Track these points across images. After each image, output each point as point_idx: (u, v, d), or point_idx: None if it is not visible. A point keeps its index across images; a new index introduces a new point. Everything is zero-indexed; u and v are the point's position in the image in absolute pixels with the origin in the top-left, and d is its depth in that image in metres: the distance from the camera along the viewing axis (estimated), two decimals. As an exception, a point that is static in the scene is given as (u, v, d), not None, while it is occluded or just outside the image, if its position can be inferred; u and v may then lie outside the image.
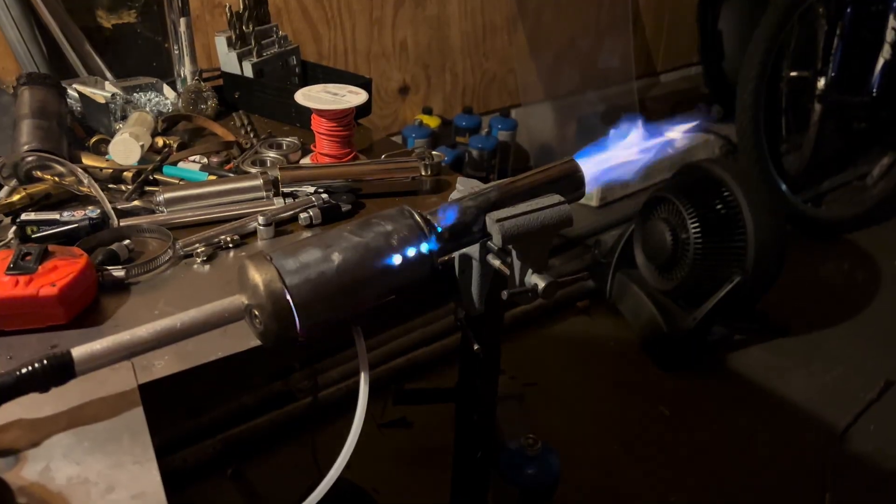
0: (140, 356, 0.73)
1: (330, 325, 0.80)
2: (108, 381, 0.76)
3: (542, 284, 0.88)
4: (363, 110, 1.41)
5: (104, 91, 1.32)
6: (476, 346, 1.06)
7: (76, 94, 1.29)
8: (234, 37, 1.40)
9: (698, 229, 1.99)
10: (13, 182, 1.08)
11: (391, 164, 1.15)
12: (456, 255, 1.01)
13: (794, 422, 1.99)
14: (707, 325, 2.06)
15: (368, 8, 2.31)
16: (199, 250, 0.97)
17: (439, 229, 0.84)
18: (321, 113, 1.17)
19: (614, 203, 2.59)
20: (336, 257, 0.78)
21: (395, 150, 1.29)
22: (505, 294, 0.87)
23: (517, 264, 0.90)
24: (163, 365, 0.79)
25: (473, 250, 0.99)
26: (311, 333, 0.78)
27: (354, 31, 2.30)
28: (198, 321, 0.75)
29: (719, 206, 2.03)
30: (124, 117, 1.27)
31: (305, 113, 1.22)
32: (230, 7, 1.39)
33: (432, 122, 2.51)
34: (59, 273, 0.82)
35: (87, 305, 0.86)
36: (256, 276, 0.75)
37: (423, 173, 1.18)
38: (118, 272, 0.90)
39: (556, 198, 0.90)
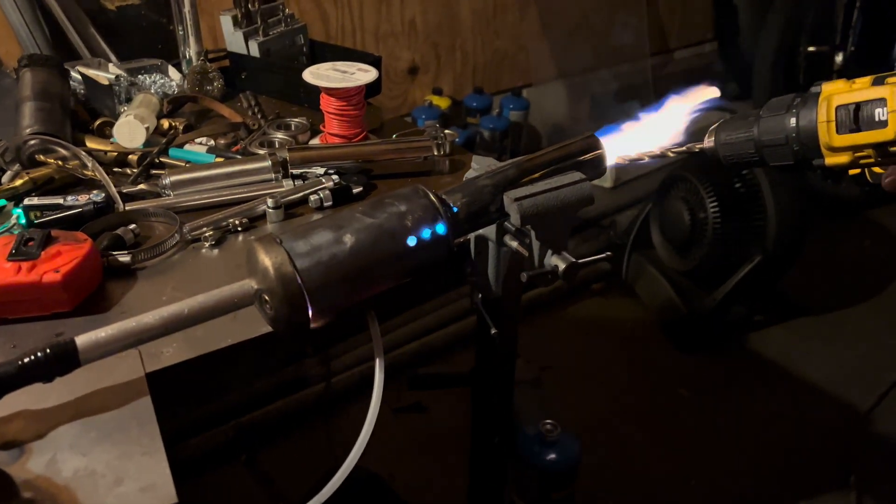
0: (147, 344, 0.70)
1: (343, 309, 0.78)
2: (115, 370, 0.73)
3: (562, 266, 0.85)
4: (373, 89, 1.37)
5: (108, 73, 1.29)
6: (493, 331, 1.03)
7: (79, 77, 1.26)
8: (239, 15, 1.36)
9: (717, 208, 1.95)
10: (16, 166, 1.05)
11: (403, 143, 1.12)
12: (472, 236, 0.98)
13: (817, 403, 1.96)
14: (727, 306, 2.02)
15: (377, -14, 2.26)
16: (206, 234, 0.94)
17: (455, 209, 0.81)
18: (330, 92, 1.14)
19: (629, 183, 2.54)
20: (348, 239, 0.75)
21: (407, 130, 1.25)
22: (524, 276, 0.83)
23: (536, 245, 0.86)
24: (171, 353, 0.77)
25: (490, 231, 0.96)
26: (324, 318, 0.75)
27: (362, 10, 2.25)
28: (206, 307, 0.72)
29: (738, 185, 1.98)
30: (129, 100, 1.23)
31: (314, 92, 1.18)
32: (235, -16, 1.36)
33: (442, 102, 2.46)
34: (63, 259, 0.79)
35: (93, 292, 0.83)
36: (266, 260, 0.72)
37: (436, 153, 1.15)
38: (124, 257, 0.87)
39: (577, 175, 0.87)
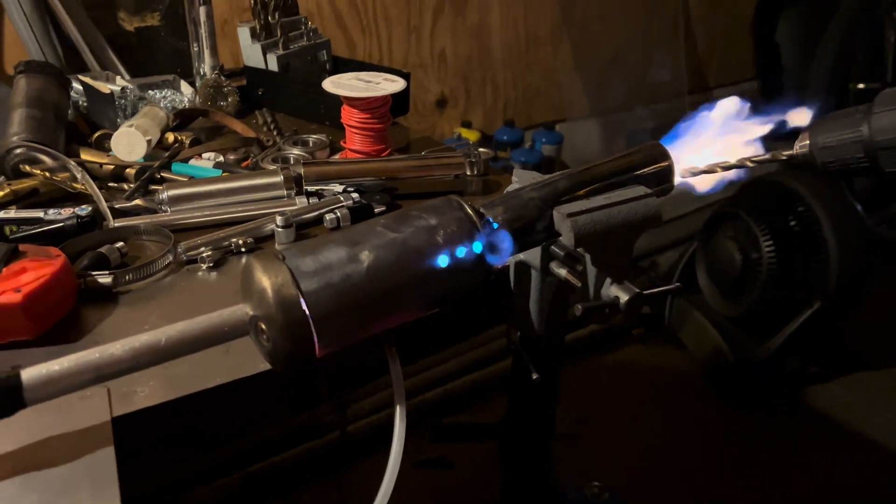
0: (118, 381, 0.57)
1: (357, 343, 0.64)
2: (75, 413, 0.59)
3: (624, 297, 0.70)
4: (400, 106, 1.25)
5: (114, 85, 1.18)
6: (535, 376, 0.88)
7: (81, 88, 1.15)
8: (258, 27, 1.26)
9: (772, 248, 1.79)
10: (0, 178, 0.94)
11: (431, 159, 0.99)
12: (511, 262, 0.84)
13: (878, 465, 1.77)
14: (781, 357, 1.84)
15: (406, 15, 2.18)
16: (204, 255, 0.81)
17: (495, 225, 0.67)
18: (352, 102, 1.02)
19: (670, 222, 2.39)
20: (366, 257, 0.61)
21: (436, 147, 1.12)
22: (579, 308, 0.69)
23: (592, 272, 0.72)
24: (146, 393, 0.63)
25: (533, 256, 0.82)
26: (334, 353, 0.61)
27: (391, 40, 2.16)
28: (189, 337, 0.59)
29: (793, 223, 1.82)
30: (134, 114, 1.13)
31: (336, 109, 1.07)
32: (254, -6, 1.26)
33: (472, 135, 2.35)
34: (28, 277, 0.67)
35: (63, 317, 0.70)
36: (264, 279, 0.59)
37: (469, 172, 1.02)
38: (104, 278, 0.75)
39: (641, 189, 0.73)
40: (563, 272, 0.79)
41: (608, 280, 0.72)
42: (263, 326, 0.59)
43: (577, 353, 2.04)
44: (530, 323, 0.86)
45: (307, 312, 0.58)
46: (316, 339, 0.59)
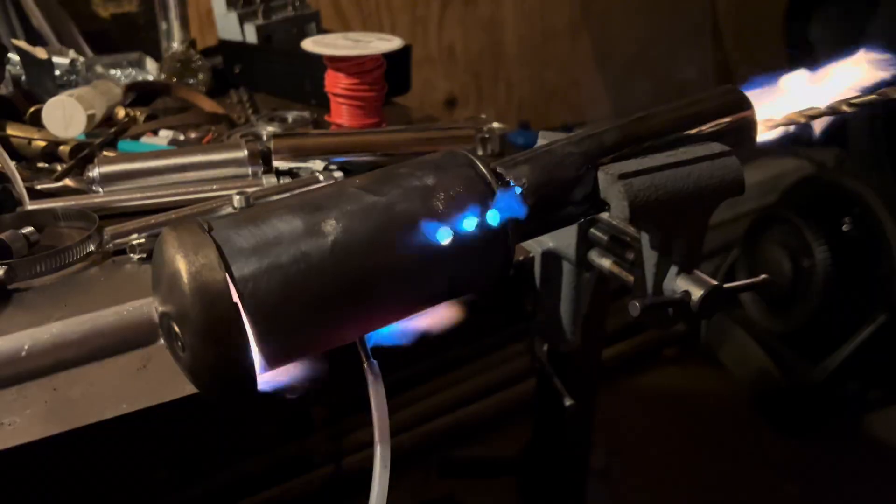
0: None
1: (320, 353, 0.45)
2: None
3: (698, 292, 0.51)
4: (400, 84, 1.07)
5: (61, 57, 1.01)
6: (568, 401, 0.68)
7: (19, 59, 0.98)
8: (234, -8, 1.09)
9: (828, 254, 1.57)
10: None
11: (434, 132, 0.80)
12: (538, 250, 0.64)
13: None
14: (840, 379, 1.62)
15: (411, 5, 2.01)
16: (134, 243, 0.62)
17: (518, 189, 0.48)
18: (337, 64, 0.83)
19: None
20: (332, 228, 0.43)
21: (443, 122, 0.94)
22: (636, 306, 0.49)
23: (650, 258, 0.53)
24: (18, 425, 0.43)
25: (566, 244, 0.63)
26: (281, 365, 0.43)
27: (394, 31, 1.97)
28: (65, 342, 0.40)
29: (849, 227, 1.61)
30: (83, 89, 0.95)
31: (324, 84, 0.89)
32: (229, -46, 1.08)
33: (484, 138, 2.17)
34: None
35: (-76, 322, 0.51)
36: (178, 259, 0.40)
37: (480, 151, 0.83)
38: (-7, 271, 0.56)
39: (716, 146, 0.54)
40: (606, 263, 0.60)
41: (673, 269, 0.53)
42: (177, 329, 0.40)
43: (604, 376, 1.83)
44: (561, 332, 0.66)
45: (240, 307, 0.39)
46: (255, 348, 0.40)
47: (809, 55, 2.81)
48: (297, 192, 0.68)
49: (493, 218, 0.45)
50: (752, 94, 0.59)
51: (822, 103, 0.58)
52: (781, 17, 2.80)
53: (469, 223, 0.44)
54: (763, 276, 0.56)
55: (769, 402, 1.73)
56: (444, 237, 0.43)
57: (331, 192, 0.45)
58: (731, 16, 2.69)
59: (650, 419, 1.76)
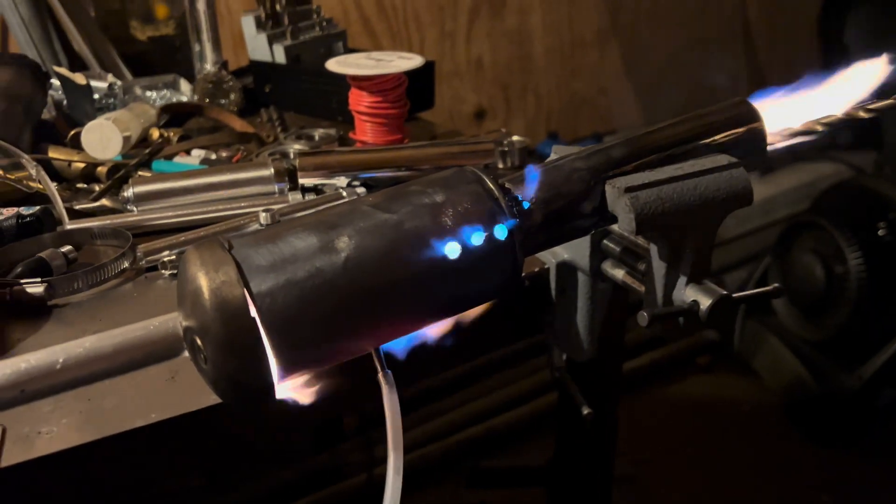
0: (21, 417, 0.41)
1: (336, 364, 0.47)
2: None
3: (706, 301, 0.52)
4: (423, 100, 1.09)
5: (99, 81, 1.06)
6: (585, 410, 0.69)
7: (60, 84, 1.03)
8: (263, 15, 1.13)
9: (862, 260, 1.55)
10: (-53, 178, 0.80)
11: (455, 147, 0.82)
12: (552, 262, 0.66)
13: None
14: (876, 387, 1.59)
15: (439, 20, 2.04)
16: (165, 260, 0.65)
17: (526, 204, 0.50)
18: (360, 83, 0.86)
19: (736, 240, 2.16)
20: (345, 245, 0.45)
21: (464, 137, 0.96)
22: (645, 316, 0.50)
23: (660, 269, 0.54)
24: (55, 434, 0.46)
25: (580, 255, 0.64)
26: (298, 376, 0.45)
27: (423, 47, 2.02)
28: (97, 356, 0.43)
29: (884, 233, 1.58)
30: (121, 111, 0.99)
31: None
32: (258, -22, 1.12)
33: (513, 149, 2.18)
34: (-80, 283, 0.52)
35: (-28, 336, 0.55)
36: (200, 276, 0.42)
37: (501, 164, 0.85)
38: (35, 288, 0.59)
39: (724, 158, 0.55)
40: (619, 274, 0.61)
41: (682, 279, 0.53)
42: (199, 342, 0.42)
43: (634, 384, 1.82)
44: (578, 343, 0.68)
45: (258, 322, 0.41)
46: (273, 360, 0.43)
47: (844, 57, 2.76)
48: (313, 210, 0.71)
49: (501, 232, 0.47)
50: (771, 102, 0.60)
51: (841, 110, 0.59)
52: (815, 20, 2.76)
53: (477, 238, 0.46)
54: (775, 285, 0.57)
55: (803, 411, 1.70)
56: (453, 252, 0.45)
57: (344, 210, 0.47)
58: (763, 19, 2.66)
59: (682, 428, 1.74)
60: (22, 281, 0.59)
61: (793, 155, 2.50)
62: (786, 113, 0.62)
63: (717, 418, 1.76)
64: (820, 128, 0.58)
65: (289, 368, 0.43)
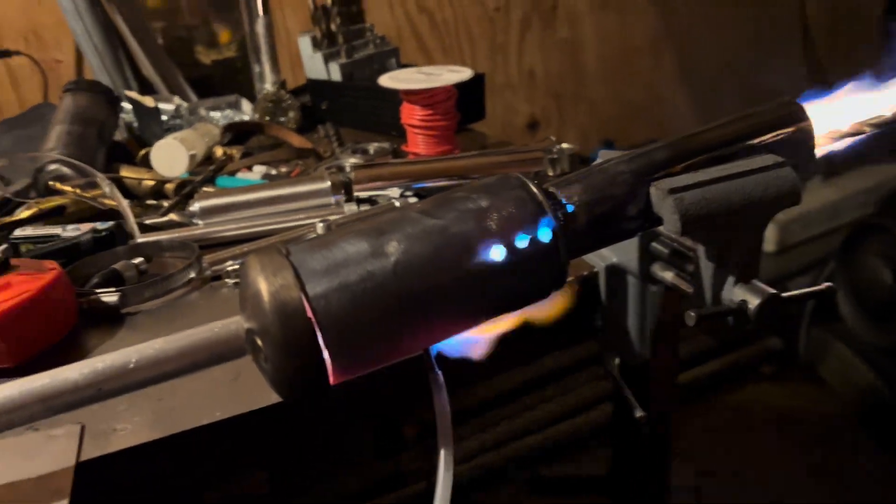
0: (98, 415, 0.45)
1: (388, 364, 0.48)
2: (40, 456, 0.47)
3: (754, 301, 0.52)
4: (474, 112, 1.11)
5: (167, 105, 1.11)
6: (638, 413, 0.69)
7: (131, 107, 1.09)
8: (319, 35, 1.17)
9: (932, 263, 1.50)
10: (32, 193, 0.86)
11: (504, 156, 0.84)
12: (601, 265, 0.66)
13: None
14: (954, 394, 1.52)
15: (490, 33, 2.06)
16: (229, 269, 0.68)
17: (570, 207, 0.51)
18: (411, 97, 0.89)
19: (798, 246, 2.10)
20: (394, 250, 0.46)
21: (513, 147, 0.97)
22: (692, 316, 0.51)
23: (707, 269, 0.54)
24: (129, 430, 0.50)
25: (629, 258, 0.64)
26: (351, 375, 0.47)
27: (475, 60, 2.05)
28: (166, 357, 0.45)
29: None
30: (188, 132, 1.05)
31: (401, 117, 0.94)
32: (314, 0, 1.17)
33: (567, 158, 2.18)
34: (10, 293, 0.56)
35: (54, 342, 0.59)
36: (259, 280, 0.45)
37: (550, 172, 0.86)
38: (109, 297, 0.63)
39: (770, 158, 0.55)
40: (668, 276, 0.61)
41: (730, 279, 0.53)
42: (260, 342, 0.45)
43: (695, 394, 1.78)
44: (630, 345, 0.68)
45: (314, 322, 0.44)
46: (328, 359, 0.45)
47: (912, 54, 2.66)
48: (365, 217, 0.73)
49: (545, 234, 0.48)
50: (822, 104, 0.60)
51: (889, 111, 0.58)
52: (877, 17, 2.67)
53: (521, 241, 0.47)
54: (827, 283, 0.56)
55: (875, 419, 1.64)
56: (498, 255, 0.47)
57: (394, 217, 0.49)
58: (823, 18, 2.59)
59: (747, 438, 1.69)
60: (98, 291, 0.64)
61: (858, 157, 2.43)
62: (838, 113, 0.61)
63: (783, 428, 1.71)
64: (868, 129, 0.57)
65: (343, 367, 0.46)
